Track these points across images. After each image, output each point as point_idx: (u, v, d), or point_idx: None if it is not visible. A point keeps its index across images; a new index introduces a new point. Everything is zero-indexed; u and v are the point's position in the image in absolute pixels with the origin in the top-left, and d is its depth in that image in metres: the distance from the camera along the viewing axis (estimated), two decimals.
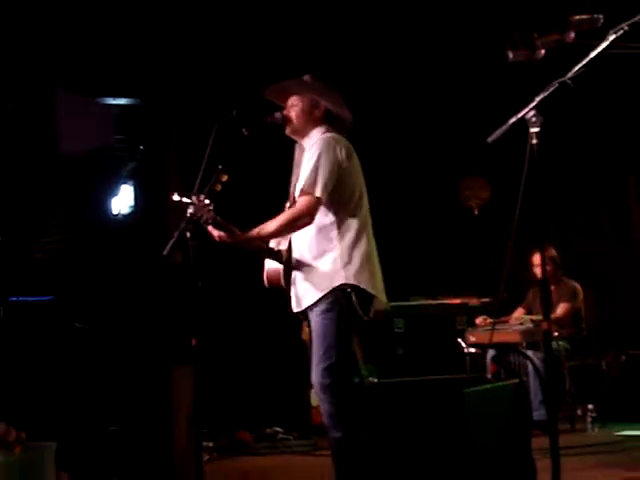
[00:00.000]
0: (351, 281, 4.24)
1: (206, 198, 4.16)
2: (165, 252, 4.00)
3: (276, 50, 7.41)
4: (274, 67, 6.81)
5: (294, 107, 4.47)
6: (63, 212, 7.56)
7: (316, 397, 7.30)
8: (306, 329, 7.35)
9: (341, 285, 4.23)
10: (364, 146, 4.54)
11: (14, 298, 6.55)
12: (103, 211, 7.81)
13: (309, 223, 4.27)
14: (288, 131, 4.50)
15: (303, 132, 4.48)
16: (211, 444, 6.79)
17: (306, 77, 4.56)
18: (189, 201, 4.15)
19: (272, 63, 7.17)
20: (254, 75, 7.06)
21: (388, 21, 7.49)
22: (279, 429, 7.46)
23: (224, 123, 4.24)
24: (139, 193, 7.95)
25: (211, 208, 4.18)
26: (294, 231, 4.33)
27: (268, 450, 7.05)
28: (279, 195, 4.71)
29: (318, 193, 4.22)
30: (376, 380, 7.39)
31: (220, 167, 4.17)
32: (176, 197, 4.15)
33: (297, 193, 4.32)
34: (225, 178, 4.17)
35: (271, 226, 4.31)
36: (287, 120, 4.47)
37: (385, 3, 7.32)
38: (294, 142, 4.57)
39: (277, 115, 4.45)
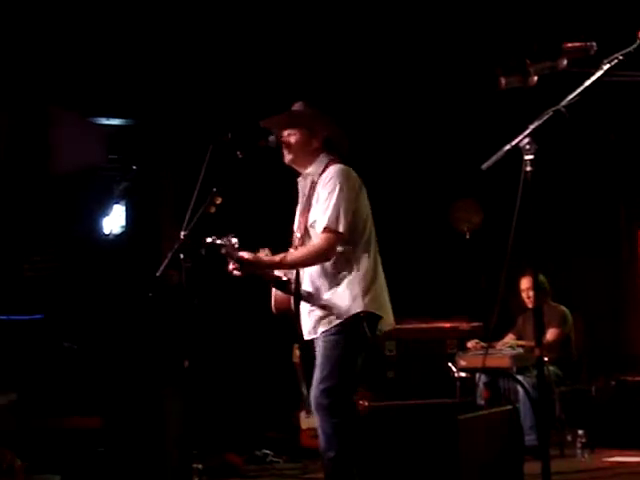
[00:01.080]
0: (368, 309, 4.30)
1: (234, 237, 4.31)
2: (159, 273, 4.02)
3: (273, 73, 7.44)
4: (271, 90, 6.85)
5: (291, 137, 4.49)
6: (54, 231, 7.56)
7: (306, 420, 7.34)
8: (297, 352, 7.38)
9: (358, 313, 4.28)
10: (357, 169, 4.55)
11: (4, 317, 6.54)
12: (94, 231, 7.80)
13: (328, 260, 4.34)
14: (287, 160, 4.51)
15: (304, 162, 4.51)
16: (200, 466, 6.74)
17: (298, 104, 4.58)
18: (222, 243, 4.27)
19: (269, 86, 7.20)
20: (250, 98, 7.10)
21: (382, 46, 7.53)
22: (269, 452, 7.45)
23: (219, 145, 4.26)
24: (131, 213, 7.95)
25: (237, 246, 4.31)
26: (315, 264, 4.38)
27: (257, 473, 7.02)
28: (272, 218, 4.72)
29: (341, 229, 4.29)
30: (366, 403, 7.37)
31: (214, 190, 4.20)
32: (209, 239, 4.21)
33: (318, 226, 4.34)
34: (219, 201, 4.20)
35: (294, 257, 4.39)
36: (285, 149, 4.48)
37: (379, 28, 7.36)
38: (289, 167, 4.58)
39: (271, 139, 4.46)
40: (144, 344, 6.88)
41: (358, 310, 4.27)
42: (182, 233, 4.16)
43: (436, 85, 8.01)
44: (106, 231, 7.86)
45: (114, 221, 7.89)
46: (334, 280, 4.34)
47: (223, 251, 4.26)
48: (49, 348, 6.94)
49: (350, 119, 5.06)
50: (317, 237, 4.37)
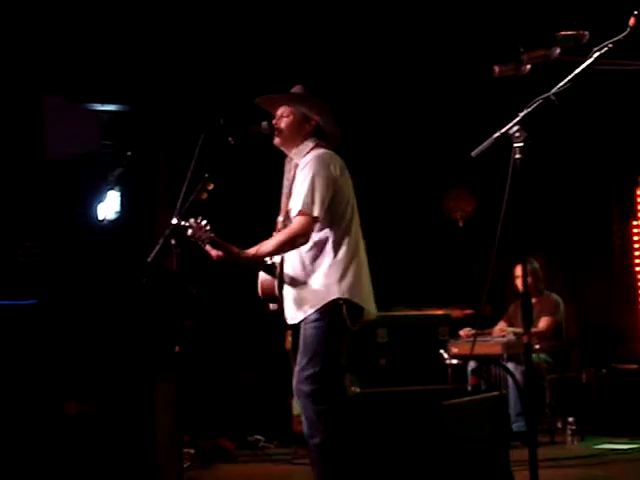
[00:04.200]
0: (345, 295, 4.30)
1: (203, 219, 4.28)
2: (150, 259, 4.03)
3: (265, 59, 7.44)
4: (263, 76, 6.85)
5: (284, 117, 4.50)
6: (48, 216, 7.56)
7: (297, 406, 7.37)
8: (289, 338, 7.40)
9: (335, 299, 4.29)
10: (349, 158, 4.57)
11: None
12: (89, 216, 7.80)
13: (305, 243, 4.33)
14: (276, 142, 4.53)
15: (291, 145, 4.52)
16: (192, 451, 6.79)
17: (297, 88, 4.59)
18: (187, 224, 4.24)
19: (261, 72, 7.20)
20: (243, 83, 7.09)
21: (375, 36, 7.53)
22: (260, 437, 7.49)
23: (211, 131, 4.27)
24: (125, 199, 7.95)
25: (208, 229, 4.29)
26: (291, 250, 4.38)
27: (249, 458, 7.07)
28: (265, 204, 4.74)
29: (316, 213, 4.28)
30: (358, 390, 7.40)
31: (206, 175, 4.20)
32: (174, 221, 4.19)
33: (293, 210, 4.35)
34: (211, 186, 4.21)
35: (268, 246, 4.37)
36: (276, 130, 4.49)
37: (372, 18, 7.35)
38: (280, 152, 4.60)
39: (263, 124, 4.47)
40: (137, 330, 6.89)
41: (335, 296, 4.28)
42: (174, 219, 4.17)
43: (429, 74, 8.01)
44: (100, 217, 7.85)
45: (108, 207, 7.87)
46: (312, 265, 4.35)
47: (189, 232, 4.24)
48: (43, 333, 6.96)
49: (344, 107, 5.06)
50: (292, 221, 4.37)
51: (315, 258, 4.35)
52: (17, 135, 7.41)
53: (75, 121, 7.58)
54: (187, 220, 4.24)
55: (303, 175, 4.36)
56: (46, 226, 7.54)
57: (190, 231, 4.24)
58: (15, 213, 7.39)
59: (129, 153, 7.75)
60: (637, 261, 8.81)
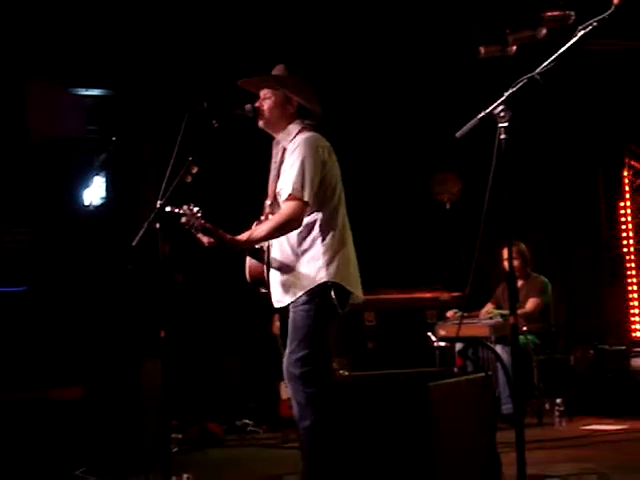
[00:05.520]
0: (333, 279, 4.29)
1: (195, 206, 4.25)
2: (134, 243, 4.01)
3: (249, 41, 7.40)
4: (247, 58, 6.80)
5: (266, 100, 4.48)
6: (35, 203, 7.53)
7: (286, 390, 7.37)
8: (277, 323, 7.40)
9: (323, 283, 4.28)
10: (336, 141, 4.55)
11: None
12: (75, 202, 7.78)
13: (297, 227, 4.32)
14: (261, 124, 4.51)
15: (277, 126, 4.50)
16: (180, 436, 6.79)
17: (278, 68, 4.57)
18: (181, 211, 4.22)
19: (245, 54, 7.16)
20: (227, 66, 7.05)
21: (359, 16, 7.49)
22: (249, 422, 7.49)
23: (194, 115, 4.24)
24: (111, 184, 7.93)
25: (200, 215, 4.26)
26: (283, 235, 4.36)
27: (237, 442, 7.07)
28: (250, 187, 4.72)
29: (306, 197, 4.26)
30: (347, 373, 7.41)
31: (190, 159, 4.18)
32: (168, 208, 4.16)
33: (282, 193, 4.33)
34: (195, 170, 4.18)
35: (260, 232, 4.36)
36: (259, 112, 4.47)
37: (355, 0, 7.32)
38: (265, 135, 4.58)
39: (247, 107, 4.45)
40: (123, 315, 6.89)
41: (323, 280, 4.27)
42: (158, 203, 4.14)
43: (415, 55, 7.98)
44: (86, 202, 7.83)
45: (94, 192, 7.87)
46: (300, 249, 4.34)
47: (183, 220, 4.23)
48: (31, 320, 6.95)
49: (329, 92, 5.03)
50: (282, 205, 4.35)
51: (303, 242, 4.34)
52: (1, 121, 7.37)
53: (59, 105, 7.54)
54: (180, 207, 4.22)
55: (292, 159, 4.34)
56: (32, 213, 7.52)
57: (184, 219, 4.23)
58: (1, 200, 7.35)
59: (114, 138, 7.72)
60: (624, 242, 8.84)
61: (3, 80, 7.30)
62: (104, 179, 7.87)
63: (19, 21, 7.03)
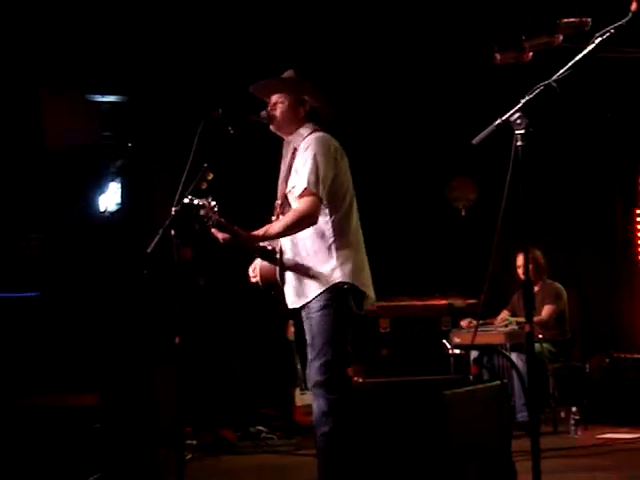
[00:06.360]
0: (347, 279, 4.27)
1: (213, 200, 4.19)
2: (149, 250, 4.00)
3: (263, 47, 7.41)
4: (262, 64, 6.81)
5: (278, 105, 4.48)
6: (50, 208, 7.55)
7: (300, 397, 7.36)
8: (291, 329, 7.39)
9: (338, 283, 4.26)
10: (352, 147, 4.54)
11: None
12: (90, 208, 7.79)
13: (315, 223, 4.27)
14: (273, 128, 4.52)
15: (288, 130, 4.50)
16: (195, 442, 6.79)
17: (288, 72, 4.57)
18: (201, 203, 4.16)
19: (260, 60, 7.16)
20: (242, 72, 7.06)
21: (376, 22, 7.49)
22: (263, 428, 7.48)
23: (210, 121, 4.24)
24: (126, 190, 7.94)
25: (216, 210, 4.21)
26: (299, 231, 4.32)
27: (251, 449, 7.06)
28: (265, 193, 4.71)
29: (320, 193, 4.24)
30: (361, 380, 7.40)
31: (206, 165, 4.18)
32: (187, 200, 4.14)
33: (296, 189, 4.30)
34: (210, 176, 4.18)
35: (275, 227, 4.31)
36: (271, 117, 4.48)
37: (372, 5, 7.32)
38: (281, 140, 4.58)
39: (263, 113, 4.45)
40: (137, 321, 6.89)
41: (338, 281, 4.25)
42: (173, 209, 4.14)
43: (432, 62, 7.97)
44: (102, 208, 7.85)
45: (110, 198, 7.89)
46: (313, 250, 4.32)
47: (202, 212, 4.15)
48: (47, 325, 6.96)
49: (346, 98, 5.04)
50: (296, 202, 4.31)
51: (316, 242, 4.31)
52: (17, 127, 7.39)
53: (75, 112, 7.56)
54: (199, 199, 4.15)
55: (305, 157, 4.32)
56: (48, 218, 7.54)
57: (202, 211, 4.15)
58: (17, 206, 7.37)
59: (130, 144, 7.74)
60: None
61: (18, 87, 7.32)
62: (120, 185, 7.89)
63: (34, 28, 7.06)
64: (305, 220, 4.26)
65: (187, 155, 4.16)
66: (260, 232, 4.33)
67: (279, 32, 7.39)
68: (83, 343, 6.68)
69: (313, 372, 4.27)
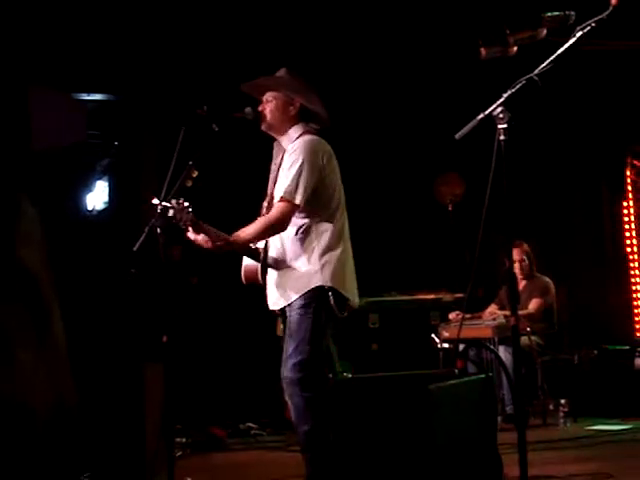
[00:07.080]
0: (328, 283, 4.31)
1: (185, 201, 4.21)
2: (135, 248, 4.01)
3: (250, 46, 7.41)
4: (247, 62, 6.81)
5: (269, 103, 4.49)
6: (36, 207, 7.52)
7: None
8: (280, 326, 7.37)
9: (318, 287, 4.28)
10: (339, 143, 4.55)
11: None
12: (77, 207, 7.77)
13: (282, 230, 4.33)
14: (263, 127, 4.52)
15: (279, 129, 4.51)
16: (184, 440, 6.78)
17: (281, 72, 4.57)
18: (169, 205, 4.17)
19: (245, 59, 7.17)
20: (227, 70, 7.06)
21: (361, 19, 7.49)
22: (253, 425, 7.48)
23: (195, 119, 4.25)
24: (113, 189, 7.92)
25: (190, 210, 4.23)
26: (270, 236, 4.39)
27: (241, 446, 7.07)
28: (250, 191, 4.72)
29: (298, 200, 4.28)
30: (350, 376, 7.40)
31: (190, 163, 4.18)
32: (156, 201, 4.15)
33: (277, 196, 4.34)
34: (195, 174, 4.19)
35: (248, 232, 4.36)
36: (262, 116, 4.48)
37: (358, 2, 7.32)
38: (266, 138, 4.58)
39: (247, 110, 4.46)
40: (125, 319, 6.87)
41: (318, 284, 4.28)
42: (158, 207, 4.14)
43: (416, 57, 7.98)
44: (89, 207, 7.83)
45: (97, 197, 7.86)
46: (296, 252, 4.35)
47: (171, 213, 4.16)
48: None
49: (331, 95, 5.03)
50: (273, 207, 4.37)
51: (299, 245, 4.35)
52: (2, 126, 7.36)
53: (61, 111, 7.53)
54: (169, 201, 4.18)
55: (290, 161, 4.34)
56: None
57: (171, 212, 4.16)
58: (1, 205, 7.34)
59: (116, 143, 7.72)
60: (627, 242, 8.82)
61: (4, 86, 7.29)
62: (107, 184, 7.87)
63: (21, 27, 7.03)
64: (273, 227, 4.33)
65: (173, 153, 4.16)
66: (232, 237, 4.37)
67: (265, 29, 7.39)
68: (71, 341, 6.66)
69: (287, 369, 4.31)
